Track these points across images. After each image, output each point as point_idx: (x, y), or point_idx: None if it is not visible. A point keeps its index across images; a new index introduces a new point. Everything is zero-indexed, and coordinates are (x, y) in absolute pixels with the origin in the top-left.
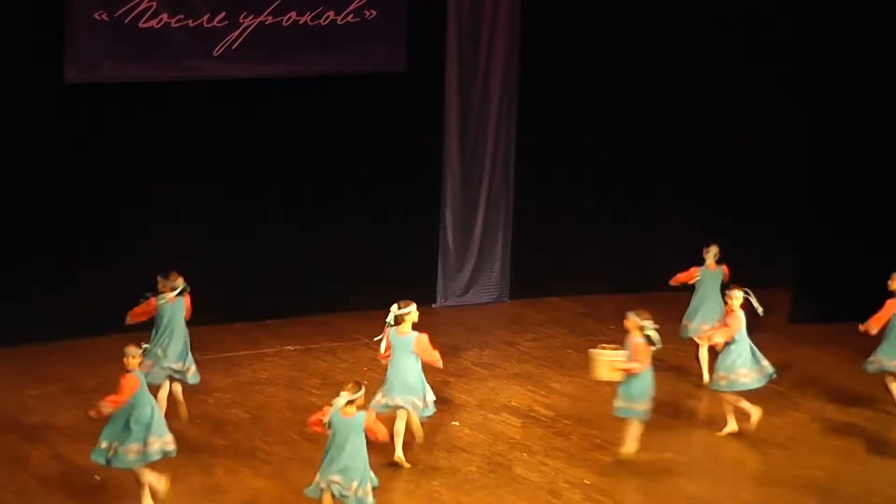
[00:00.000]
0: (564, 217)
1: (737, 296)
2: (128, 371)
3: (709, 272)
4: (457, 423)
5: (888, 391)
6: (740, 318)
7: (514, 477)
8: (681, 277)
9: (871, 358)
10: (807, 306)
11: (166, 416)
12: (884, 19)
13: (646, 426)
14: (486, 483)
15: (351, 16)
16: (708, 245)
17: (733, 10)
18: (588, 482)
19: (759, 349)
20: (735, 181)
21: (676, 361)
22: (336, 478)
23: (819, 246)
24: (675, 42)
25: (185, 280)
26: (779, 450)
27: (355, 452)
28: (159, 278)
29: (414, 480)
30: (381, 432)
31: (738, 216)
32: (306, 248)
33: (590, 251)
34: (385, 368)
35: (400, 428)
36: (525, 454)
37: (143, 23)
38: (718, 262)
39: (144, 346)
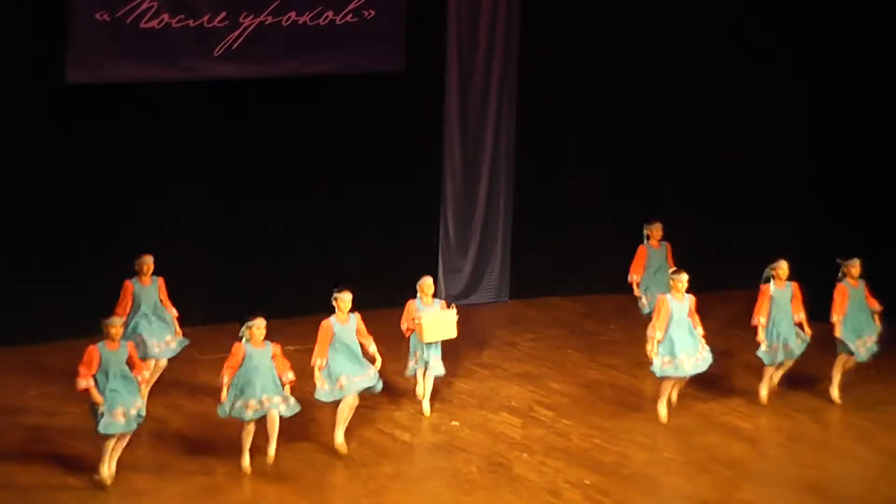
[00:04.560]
0: (564, 217)
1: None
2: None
3: (654, 250)
4: (457, 423)
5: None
6: (667, 304)
7: (514, 477)
8: (637, 268)
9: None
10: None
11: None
12: (885, 16)
13: (645, 426)
14: (486, 483)
15: (350, 15)
16: (650, 223)
17: (734, 9)
18: (588, 482)
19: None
20: (735, 181)
21: None
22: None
23: (819, 245)
24: (675, 41)
25: (185, 280)
26: (779, 450)
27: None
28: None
29: (414, 480)
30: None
31: (737, 216)
32: (306, 247)
33: (590, 251)
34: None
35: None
36: (525, 454)
37: (144, 23)
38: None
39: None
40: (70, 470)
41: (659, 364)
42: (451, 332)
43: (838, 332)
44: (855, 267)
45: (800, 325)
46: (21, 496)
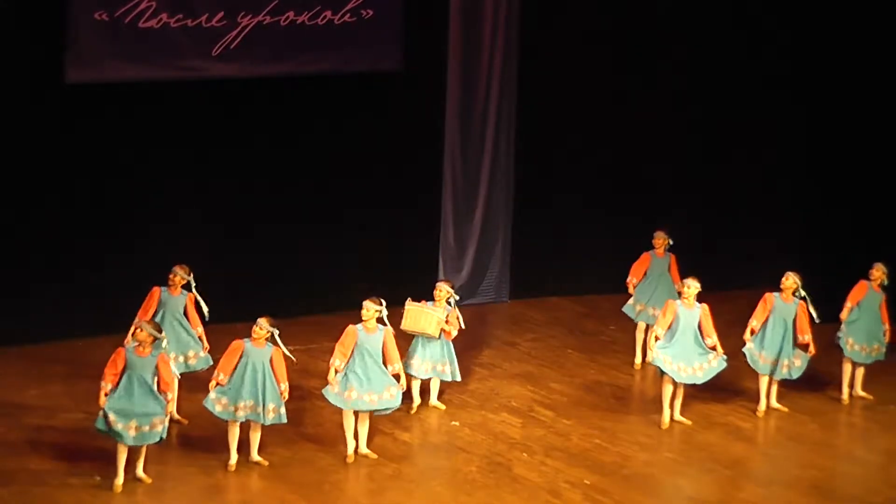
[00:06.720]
0: (564, 217)
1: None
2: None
3: (657, 258)
4: (457, 423)
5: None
6: (674, 308)
7: (514, 477)
8: (637, 272)
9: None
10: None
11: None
12: (884, 17)
13: (645, 426)
14: (486, 483)
15: (348, 15)
16: (657, 231)
17: (734, 9)
18: (588, 482)
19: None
20: (735, 181)
21: None
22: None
23: (820, 246)
24: (675, 41)
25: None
26: (779, 450)
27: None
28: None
29: (414, 480)
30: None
31: (737, 216)
32: (306, 247)
33: (590, 251)
34: None
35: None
36: (525, 454)
37: (143, 23)
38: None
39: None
40: (70, 470)
41: (660, 357)
42: (430, 328)
43: (843, 318)
44: (877, 270)
45: (804, 347)
46: (21, 496)
